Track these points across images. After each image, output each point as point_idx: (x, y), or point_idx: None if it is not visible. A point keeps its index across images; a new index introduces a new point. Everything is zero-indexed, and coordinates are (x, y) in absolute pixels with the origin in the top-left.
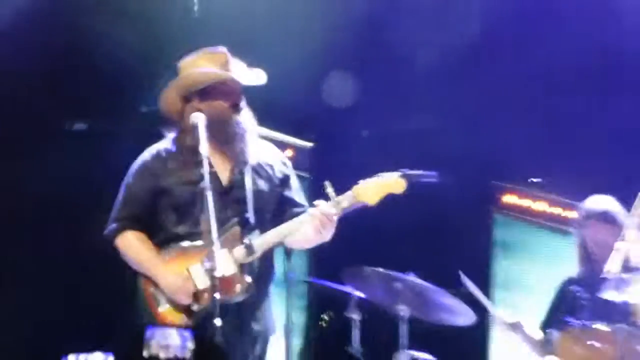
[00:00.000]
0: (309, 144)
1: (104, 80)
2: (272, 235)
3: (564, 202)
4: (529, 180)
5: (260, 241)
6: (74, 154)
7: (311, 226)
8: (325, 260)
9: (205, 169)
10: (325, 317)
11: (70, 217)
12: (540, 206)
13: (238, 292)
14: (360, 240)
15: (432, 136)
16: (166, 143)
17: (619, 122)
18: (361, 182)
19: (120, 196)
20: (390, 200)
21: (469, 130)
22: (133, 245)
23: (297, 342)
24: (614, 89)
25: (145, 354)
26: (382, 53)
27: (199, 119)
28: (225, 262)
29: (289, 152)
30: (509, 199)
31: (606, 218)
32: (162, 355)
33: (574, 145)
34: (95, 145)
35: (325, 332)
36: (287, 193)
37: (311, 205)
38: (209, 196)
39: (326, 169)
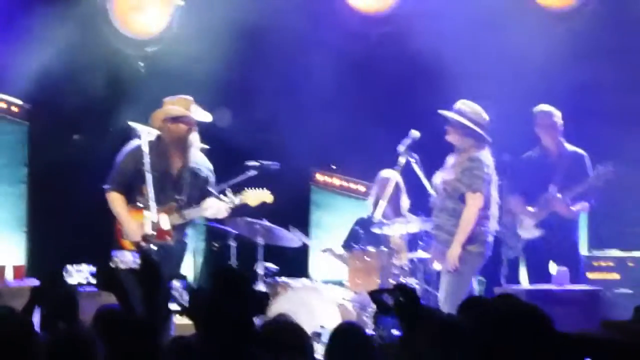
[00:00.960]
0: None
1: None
2: (194, 212)
3: (350, 178)
4: (331, 165)
5: (188, 212)
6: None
7: (213, 211)
8: None
9: (146, 161)
10: (216, 245)
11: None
12: (337, 181)
13: (169, 240)
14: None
15: (270, 134)
16: (142, 142)
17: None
18: (249, 191)
19: (114, 167)
20: (252, 182)
21: (295, 130)
22: (114, 201)
23: (200, 259)
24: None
25: (112, 265)
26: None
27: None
28: (164, 221)
29: None
30: (319, 177)
31: (383, 181)
32: (121, 266)
33: (359, 144)
34: (88, 148)
35: (215, 253)
36: (207, 186)
37: (223, 194)
38: (149, 179)
39: (216, 162)
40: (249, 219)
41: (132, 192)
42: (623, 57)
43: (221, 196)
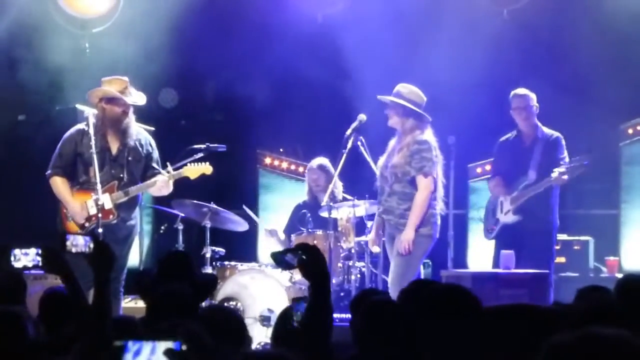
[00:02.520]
0: (152, 128)
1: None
2: (137, 188)
3: (295, 161)
4: (279, 149)
5: (132, 189)
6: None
7: (156, 186)
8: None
9: (93, 143)
10: (163, 228)
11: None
12: (285, 164)
13: (112, 219)
14: (183, 183)
15: (216, 115)
16: (83, 125)
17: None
18: (189, 164)
19: (55, 152)
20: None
21: (242, 113)
22: (57, 185)
23: (147, 242)
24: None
25: (62, 247)
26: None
27: (90, 114)
28: (106, 201)
29: None
30: (267, 160)
31: (321, 168)
32: (73, 250)
33: (306, 127)
34: (33, 127)
35: (162, 236)
36: (149, 163)
37: (165, 169)
38: (95, 159)
39: (162, 143)
40: (197, 202)
41: (75, 175)
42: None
43: (162, 171)
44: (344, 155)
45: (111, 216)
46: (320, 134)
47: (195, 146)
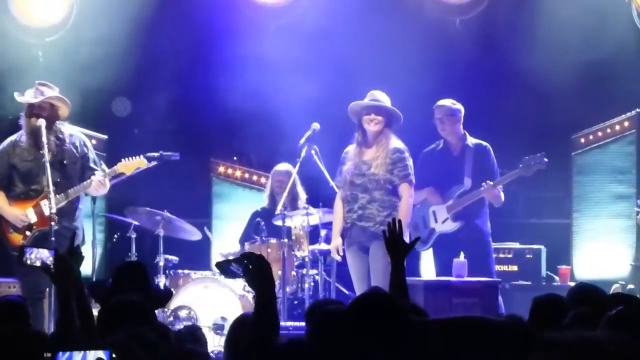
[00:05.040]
0: (105, 137)
1: None
2: (75, 190)
3: (251, 170)
4: (233, 158)
5: (71, 191)
6: None
7: (93, 186)
8: (115, 203)
9: (46, 152)
10: (115, 236)
11: None
12: (238, 173)
13: (54, 225)
14: (136, 193)
15: (174, 133)
16: (17, 136)
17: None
18: (122, 160)
19: None
20: (155, 169)
21: (195, 121)
22: None
23: (100, 251)
24: None
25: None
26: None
27: (41, 123)
28: (44, 207)
29: (94, 142)
30: (221, 168)
31: (288, 173)
32: (32, 263)
33: (260, 135)
34: None
35: (115, 245)
36: (86, 164)
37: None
38: (48, 168)
39: (115, 152)
40: (150, 210)
41: (11, 186)
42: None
43: (97, 170)
44: (298, 164)
45: (52, 222)
46: (274, 143)
47: (149, 154)
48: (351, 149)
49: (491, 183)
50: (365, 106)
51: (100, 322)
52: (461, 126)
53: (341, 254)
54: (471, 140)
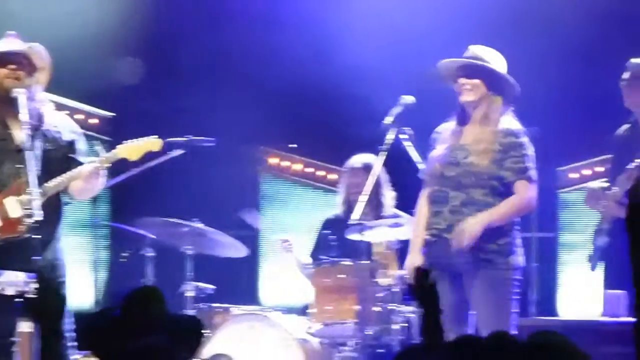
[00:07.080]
0: (111, 114)
1: None
2: (55, 185)
3: (316, 163)
4: (290, 145)
5: (49, 186)
6: None
7: (82, 176)
8: (124, 208)
9: (24, 132)
10: (124, 255)
11: None
12: (298, 166)
13: (23, 231)
14: (152, 194)
15: (209, 112)
16: None
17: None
18: (124, 142)
19: None
20: (181, 161)
21: (238, 106)
22: None
23: (103, 275)
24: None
25: None
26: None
27: (19, 93)
28: (13, 207)
29: (95, 120)
30: (272, 160)
31: (367, 169)
32: (8, 292)
33: (324, 116)
34: None
35: (124, 266)
36: (71, 154)
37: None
38: (26, 154)
39: (121, 134)
40: (173, 220)
41: None
42: None
43: (89, 159)
44: (383, 155)
45: (20, 227)
46: (347, 124)
47: (171, 139)
48: (446, 127)
49: None
50: (458, 65)
51: None
52: None
53: None
54: None
